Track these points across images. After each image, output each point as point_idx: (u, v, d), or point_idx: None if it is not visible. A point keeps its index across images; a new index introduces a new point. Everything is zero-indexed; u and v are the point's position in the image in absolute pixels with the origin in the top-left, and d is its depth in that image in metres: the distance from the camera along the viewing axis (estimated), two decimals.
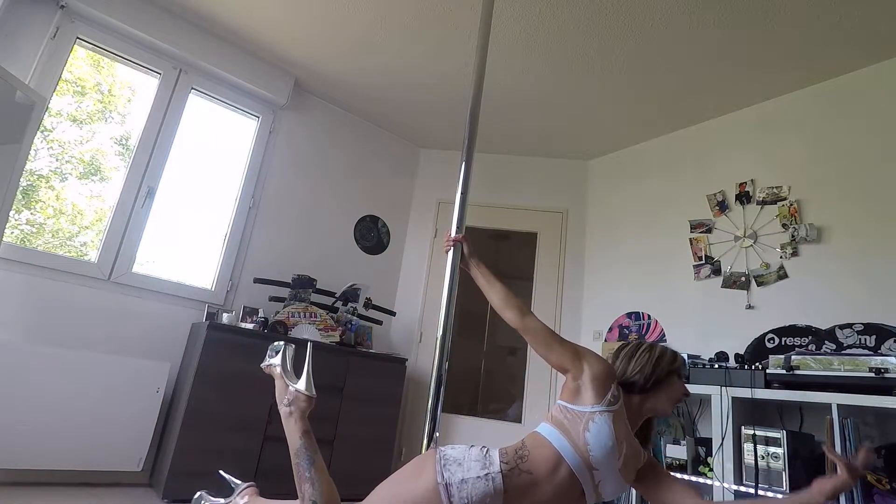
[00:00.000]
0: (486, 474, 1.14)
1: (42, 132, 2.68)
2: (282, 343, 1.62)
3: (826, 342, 2.29)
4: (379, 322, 3.55)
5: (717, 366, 2.33)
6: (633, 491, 2.42)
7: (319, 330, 3.04)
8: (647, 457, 1.34)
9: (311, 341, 1.67)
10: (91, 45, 2.80)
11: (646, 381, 1.32)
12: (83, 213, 2.89)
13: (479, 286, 1.49)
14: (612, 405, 1.23)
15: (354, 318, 3.31)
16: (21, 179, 2.38)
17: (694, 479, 2.29)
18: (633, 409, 1.30)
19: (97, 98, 2.96)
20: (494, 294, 1.44)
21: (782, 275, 2.64)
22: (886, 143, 2.45)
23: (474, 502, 1.12)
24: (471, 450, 1.21)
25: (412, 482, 1.21)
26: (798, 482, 1.96)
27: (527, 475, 1.16)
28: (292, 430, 1.49)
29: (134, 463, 2.44)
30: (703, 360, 2.48)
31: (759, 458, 2.06)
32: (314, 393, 1.50)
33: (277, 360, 1.55)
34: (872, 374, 1.87)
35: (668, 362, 1.36)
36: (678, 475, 2.34)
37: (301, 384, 1.50)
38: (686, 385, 1.38)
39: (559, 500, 1.17)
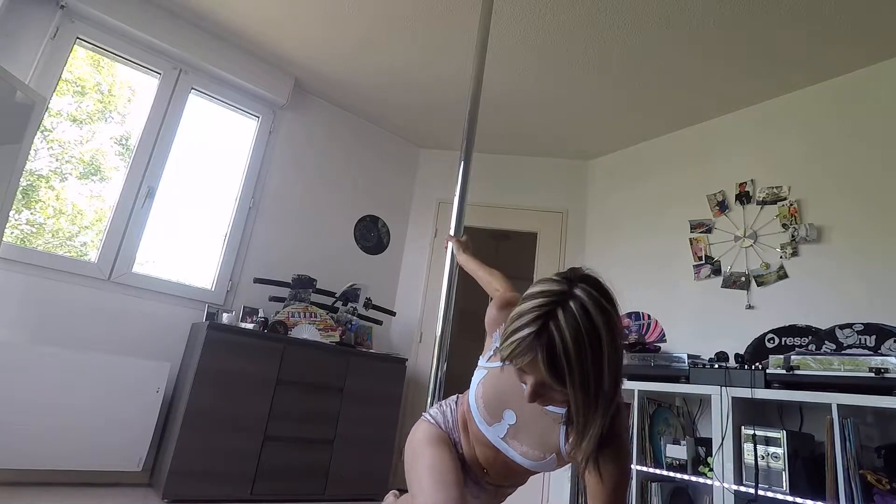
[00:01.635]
0: (453, 400, 1.25)
1: (42, 132, 2.68)
2: None
3: (826, 342, 2.29)
4: (379, 322, 3.55)
5: (717, 366, 2.33)
6: (633, 484, 2.42)
7: (319, 330, 3.04)
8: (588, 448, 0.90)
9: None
10: (91, 45, 2.80)
11: None
12: (83, 213, 2.89)
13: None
14: (491, 361, 1.08)
15: (354, 318, 3.31)
16: (21, 179, 2.38)
17: (694, 479, 2.29)
18: None
19: (97, 98, 2.96)
20: (481, 283, 1.48)
21: (782, 275, 2.64)
22: (887, 143, 2.45)
23: (447, 418, 1.19)
24: None
25: (413, 442, 1.19)
26: (798, 482, 1.96)
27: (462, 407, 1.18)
28: None
29: (134, 463, 2.44)
30: (703, 360, 2.48)
31: (759, 458, 2.06)
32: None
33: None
34: (872, 374, 1.86)
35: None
36: (677, 475, 2.34)
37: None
38: (529, 382, 0.86)
39: (480, 444, 1.11)
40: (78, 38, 2.73)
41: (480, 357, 1.12)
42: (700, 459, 2.35)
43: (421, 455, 1.10)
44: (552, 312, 0.81)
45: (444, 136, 3.93)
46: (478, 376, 1.09)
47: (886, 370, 1.84)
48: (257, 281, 3.10)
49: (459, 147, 1.76)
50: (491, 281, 1.40)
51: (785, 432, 2.03)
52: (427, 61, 3.07)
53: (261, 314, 2.95)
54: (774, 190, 2.78)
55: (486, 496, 1.18)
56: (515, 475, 1.12)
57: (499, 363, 1.02)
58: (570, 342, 0.79)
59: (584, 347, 0.79)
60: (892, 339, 2.12)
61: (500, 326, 1.04)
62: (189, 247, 3.09)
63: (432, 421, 1.20)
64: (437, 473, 1.03)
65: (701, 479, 2.26)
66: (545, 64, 2.94)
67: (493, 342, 1.09)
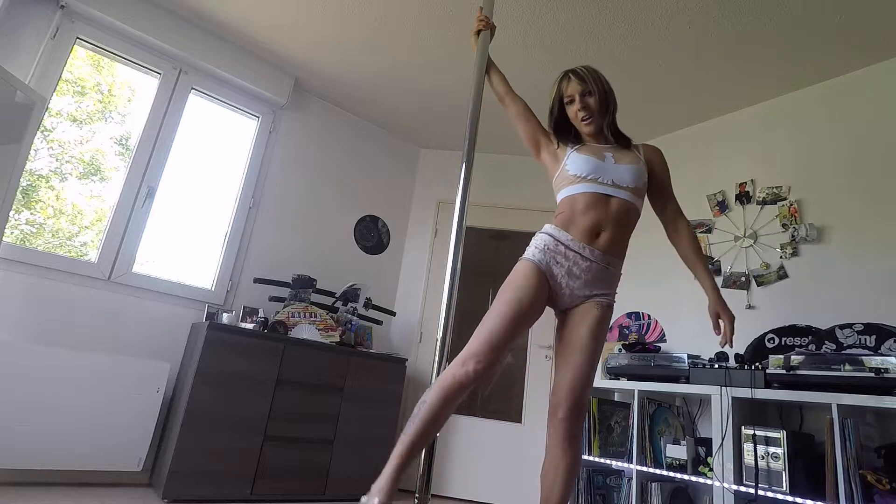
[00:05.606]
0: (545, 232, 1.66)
1: (42, 132, 2.68)
2: None
3: (826, 342, 2.29)
4: (379, 322, 3.55)
5: (717, 366, 2.33)
6: (633, 484, 2.42)
7: (319, 330, 3.04)
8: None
9: None
10: (91, 45, 2.80)
11: None
12: (83, 213, 2.89)
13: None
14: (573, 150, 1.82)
15: (354, 318, 3.31)
16: (21, 179, 2.38)
17: (694, 479, 2.29)
18: None
19: (97, 98, 2.96)
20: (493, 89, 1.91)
21: (782, 275, 2.64)
22: (886, 143, 2.45)
23: (546, 245, 1.59)
24: None
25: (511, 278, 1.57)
26: (798, 482, 1.97)
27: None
28: None
29: (134, 463, 2.44)
30: (703, 360, 2.48)
31: (759, 458, 2.06)
32: None
33: None
34: (872, 374, 1.87)
35: None
36: (677, 475, 2.34)
37: None
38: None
39: (590, 208, 1.61)
40: (78, 38, 2.73)
41: (567, 151, 1.71)
42: (700, 459, 2.35)
43: (497, 299, 1.51)
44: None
45: (445, 136, 3.93)
46: (569, 160, 1.66)
47: (886, 370, 1.85)
48: (257, 281, 3.10)
49: (460, 147, 1.76)
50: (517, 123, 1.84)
51: (785, 432, 2.03)
52: (427, 62, 3.07)
53: (261, 314, 2.95)
54: (774, 190, 2.78)
55: (590, 275, 1.53)
56: (623, 227, 1.63)
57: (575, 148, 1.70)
58: (581, 68, 1.78)
59: (591, 69, 1.77)
60: (892, 339, 2.12)
61: (552, 152, 1.77)
62: (189, 247, 3.09)
63: (533, 259, 1.56)
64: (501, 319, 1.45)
65: (701, 479, 2.26)
66: (545, 64, 2.94)
67: (567, 150, 1.71)
